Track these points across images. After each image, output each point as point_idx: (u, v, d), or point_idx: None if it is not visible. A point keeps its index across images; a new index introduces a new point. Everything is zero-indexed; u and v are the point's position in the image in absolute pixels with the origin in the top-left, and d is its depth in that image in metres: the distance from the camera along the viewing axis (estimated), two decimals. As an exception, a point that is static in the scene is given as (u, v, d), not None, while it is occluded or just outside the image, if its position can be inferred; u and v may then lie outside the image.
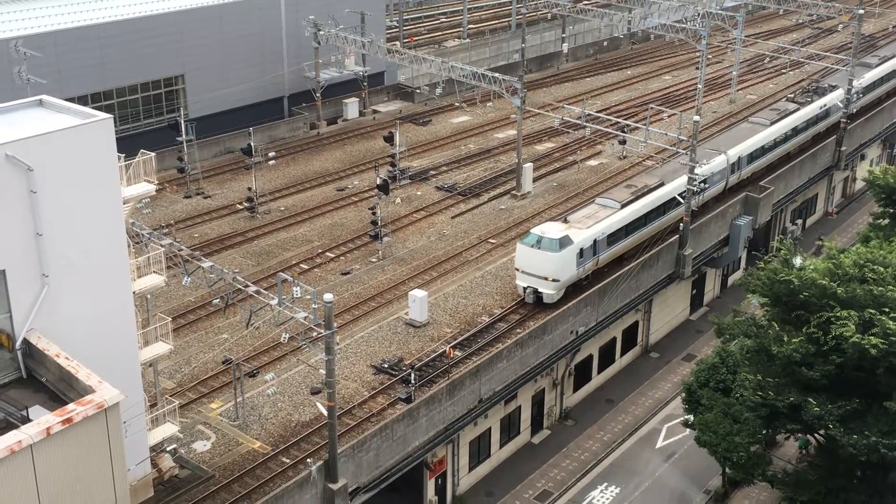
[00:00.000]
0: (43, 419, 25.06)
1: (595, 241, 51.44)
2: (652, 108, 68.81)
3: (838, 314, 37.12)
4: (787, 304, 39.78)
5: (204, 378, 44.44)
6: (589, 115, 65.85)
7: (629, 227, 54.09)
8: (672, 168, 60.02)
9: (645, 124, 63.52)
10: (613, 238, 52.84)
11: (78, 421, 25.08)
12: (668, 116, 73.55)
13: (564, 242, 49.79)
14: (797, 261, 42.21)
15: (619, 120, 67.87)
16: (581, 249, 50.57)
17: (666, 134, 62.64)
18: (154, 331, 35.82)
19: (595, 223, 52.11)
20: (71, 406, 25.50)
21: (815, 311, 38.19)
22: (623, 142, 68.29)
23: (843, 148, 72.91)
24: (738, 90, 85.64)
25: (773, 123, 66.93)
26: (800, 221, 73.26)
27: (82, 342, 29.15)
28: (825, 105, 72.17)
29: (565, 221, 52.41)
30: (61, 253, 29.01)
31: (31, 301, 28.71)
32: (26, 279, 28.47)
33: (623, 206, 54.01)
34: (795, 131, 69.15)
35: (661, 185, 56.74)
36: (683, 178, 55.38)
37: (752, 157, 64.75)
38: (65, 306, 29.44)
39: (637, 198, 55.10)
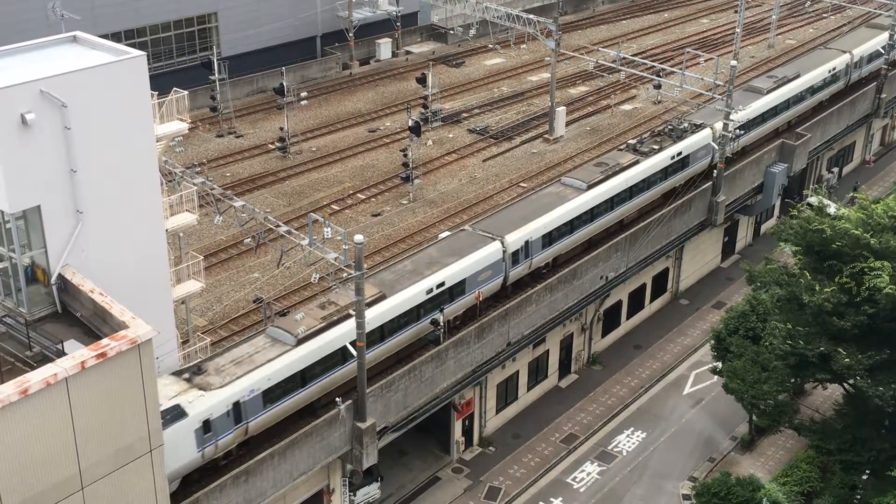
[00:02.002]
0: (78, 353, 25.47)
1: (240, 403, 34.11)
2: (688, 52, 67.73)
3: (872, 265, 36.77)
4: (820, 254, 39.43)
5: (235, 316, 44.90)
6: (624, 58, 64.97)
7: (310, 372, 36.50)
8: (417, 265, 42.54)
9: (681, 69, 62.63)
10: (278, 393, 35.44)
11: (112, 356, 25.47)
12: (705, 61, 72.45)
13: (173, 416, 32.06)
14: (831, 209, 41.75)
15: (654, 64, 66.95)
16: (206, 422, 33.07)
17: (702, 79, 61.75)
18: (186, 269, 36.15)
19: (248, 371, 34.79)
20: (105, 341, 25.87)
21: (849, 261, 37.85)
22: (658, 86, 67.39)
23: (884, 95, 71.56)
24: (777, 35, 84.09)
25: (591, 187, 49.22)
26: (836, 169, 72.26)
27: (116, 278, 29.52)
28: (681, 153, 54.36)
29: (198, 371, 34.50)
30: (95, 190, 29.25)
31: (65, 237, 29.03)
32: (61, 215, 28.76)
33: (301, 341, 36.37)
34: (630, 192, 51.33)
35: (381, 298, 39.51)
36: (424, 283, 40.98)
37: (551, 238, 46.90)
38: (99, 243, 29.74)
39: (329, 326, 37.37)
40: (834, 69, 67.56)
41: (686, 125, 56.47)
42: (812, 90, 65.84)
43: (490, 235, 44.81)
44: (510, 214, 47.33)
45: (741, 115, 56.39)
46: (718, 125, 55.58)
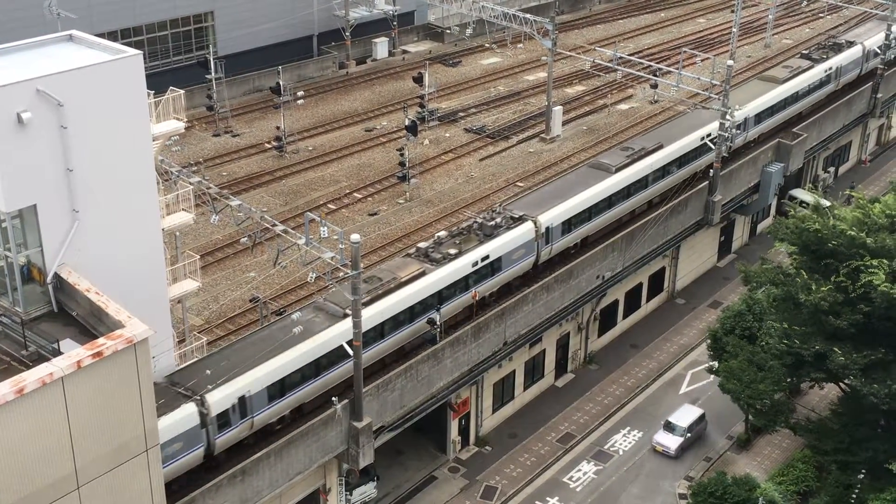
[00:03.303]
0: (73, 352, 25.43)
1: None
2: (685, 51, 67.76)
3: (868, 262, 36.85)
4: (816, 253, 39.51)
5: (231, 315, 44.88)
6: (621, 58, 64.99)
7: None
8: None
9: (677, 68, 62.65)
10: None
11: (108, 355, 25.43)
12: (702, 61, 72.44)
13: None
14: (825, 204, 41.72)
15: (651, 63, 66.99)
16: None
17: (699, 78, 61.79)
18: (182, 268, 36.12)
19: None
20: (101, 340, 25.83)
21: (844, 259, 37.92)
22: (655, 86, 67.46)
23: (879, 95, 71.66)
24: (773, 34, 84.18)
25: (347, 315, 37.49)
26: (832, 169, 72.36)
27: (112, 277, 29.46)
28: (488, 256, 43.67)
29: None
30: (91, 189, 29.20)
31: (61, 236, 28.98)
32: (57, 214, 28.71)
33: None
34: (411, 314, 40.62)
35: None
36: None
37: (284, 387, 36.19)
38: (95, 242, 29.69)
39: None
40: (709, 135, 55.06)
41: (500, 219, 45.29)
42: (679, 162, 54.59)
43: (185, 392, 33.91)
44: (224, 357, 36.10)
45: (573, 204, 47.88)
46: (543, 217, 46.36)
